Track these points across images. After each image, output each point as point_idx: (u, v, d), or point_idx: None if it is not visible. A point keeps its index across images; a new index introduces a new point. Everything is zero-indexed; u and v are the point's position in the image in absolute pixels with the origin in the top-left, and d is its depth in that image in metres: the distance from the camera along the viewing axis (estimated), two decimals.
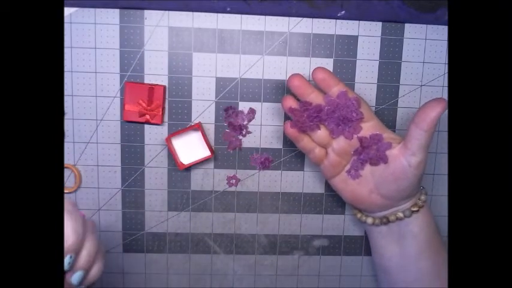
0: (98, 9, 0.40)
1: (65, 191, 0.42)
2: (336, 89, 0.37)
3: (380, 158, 0.37)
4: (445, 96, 0.43)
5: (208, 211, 0.44)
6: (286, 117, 0.43)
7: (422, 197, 0.39)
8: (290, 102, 0.38)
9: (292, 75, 0.37)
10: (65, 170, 0.42)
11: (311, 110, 0.37)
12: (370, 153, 0.37)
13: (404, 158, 0.36)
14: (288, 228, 0.45)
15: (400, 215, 0.38)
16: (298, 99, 0.38)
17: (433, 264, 0.38)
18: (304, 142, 0.38)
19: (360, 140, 0.37)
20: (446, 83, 0.43)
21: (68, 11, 0.40)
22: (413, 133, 0.35)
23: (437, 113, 0.34)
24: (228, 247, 0.45)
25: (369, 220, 0.40)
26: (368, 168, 0.38)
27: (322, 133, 0.38)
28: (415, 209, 0.38)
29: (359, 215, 0.41)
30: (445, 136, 0.44)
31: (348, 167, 0.39)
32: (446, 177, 0.45)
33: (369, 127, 0.37)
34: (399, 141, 0.37)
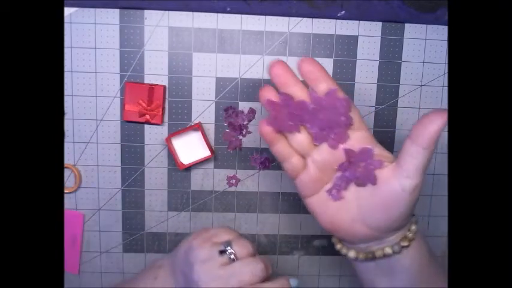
0: (98, 9, 0.40)
1: (65, 191, 0.42)
2: (324, 85, 0.31)
3: (367, 178, 0.31)
4: (445, 96, 0.43)
5: (208, 211, 0.44)
6: None
7: (413, 227, 0.32)
8: (269, 94, 0.32)
9: (274, 61, 0.31)
10: (65, 170, 0.42)
11: (293, 106, 0.31)
12: (357, 171, 0.31)
13: (397, 180, 0.30)
14: (288, 228, 0.45)
15: (388, 251, 0.32)
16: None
17: None
18: (281, 146, 0.32)
19: (347, 152, 0.31)
20: (446, 83, 0.43)
21: (68, 11, 0.40)
22: (409, 150, 0.29)
23: (438, 126, 0.28)
24: None
25: (351, 254, 0.34)
26: (353, 190, 0.32)
27: (302, 137, 0.32)
28: (405, 243, 0.32)
29: (339, 246, 0.35)
30: (445, 136, 0.44)
31: (329, 185, 0.33)
32: (446, 177, 0.45)
33: (358, 138, 0.31)
34: (391, 160, 0.31)
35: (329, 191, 0.33)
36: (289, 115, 0.31)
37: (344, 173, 0.32)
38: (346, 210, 0.32)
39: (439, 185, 0.45)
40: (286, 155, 0.32)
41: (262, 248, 0.45)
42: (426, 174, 0.44)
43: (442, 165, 0.45)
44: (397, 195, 0.30)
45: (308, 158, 0.32)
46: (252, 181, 0.44)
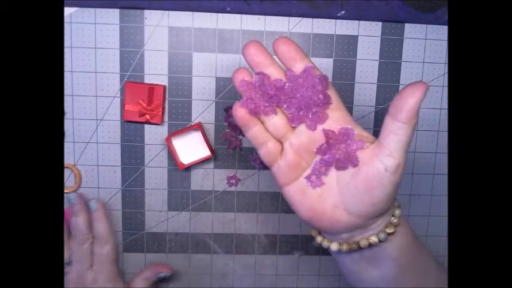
0: (98, 9, 0.40)
1: (65, 191, 0.42)
2: (301, 64, 0.29)
3: (349, 160, 0.30)
4: (445, 96, 0.43)
5: (208, 211, 0.44)
6: None
7: (397, 212, 0.31)
8: (243, 75, 0.30)
9: (249, 42, 0.30)
10: (65, 170, 0.42)
11: (268, 86, 0.29)
12: (337, 153, 0.30)
13: (379, 160, 0.28)
14: (287, 228, 0.45)
15: (374, 240, 0.30)
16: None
17: (422, 280, 0.33)
18: (256, 130, 0.30)
19: (326, 134, 0.30)
20: (446, 83, 0.43)
21: (68, 11, 0.40)
22: (390, 127, 0.28)
23: (417, 98, 0.27)
24: (228, 247, 0.45)
25: (334, 246, 0.32)
26: (333, 174, 0.30)
27: (278, 120, 0.30)
28: (390, 230, 0.30)
29: (319, 239, 0.33)
30: (445, 136, 0.44)
31: (308, 171, 0.31)
32: (446, 177, 0.45)
33: (337, 118, 0.30)
34: (372, 141, 0.30)
35: (308, 178, 0.31)
36: (265, 95, 0.30)
37: (323, 156, 0.30)
38: (327, 197, 0.30)
39: (439, 185, 0.45)
40: (262, 139, 0.31)
41: (262, 248, 0.45)
42: (426, 174, 0.45)
43: (442, 165, 0.45)
44: (380, 175, 0.28)
45: (285, 143, 0.31)
46: (252, 181, 0.44)
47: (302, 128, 0.30)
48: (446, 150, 0.44)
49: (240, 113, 0.30)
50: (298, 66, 0.29)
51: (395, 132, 0.28)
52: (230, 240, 0.45)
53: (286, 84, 0.30)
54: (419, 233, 0.46)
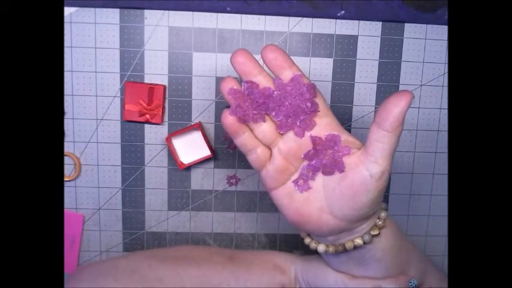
0: (98, 9, 0.40)
1: (65, 179, 0.42)
2: (289, 72, 0.30)
3: (335, 166, 0.30)
4: (445, 96, 0.43)
5: (208, 210, 0.44)
6: None
7: (382, 214, 0.32)
8: (231, 83, 0.30)
9: (237, 50, 0.30)
10: (65, 159, 0.42)
11: (257, 94, 0.30)
12: (324, 158, 0.31)
13: (365, 166, 0.29)
14: (287, 228, 0.45)
15: (359, 242, 0.31)
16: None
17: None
18: (245, 137, 0.31)
19: (313, 140, 0.30)
20: (446, 83, 0.43)
21: (68, 10, 0.40)
22: (375, 135, 0.29)
23: (401, 108, 0.27)
24: (228, 246, 0.45)
25: (321, 248, 0.33)
26: (320, 179, 0.31)
27: (267, 127, 0.31)
28: (375, 232, 0.31)
29: (308, 240, 0.34)
30: (445, 136, 0.44)
31: (296, 175, 0.32)
32: (446, 177, 0.45)
33: (324, 125, 0.31)
34: (359, 147, 0.31)
35: (295, 182, 0.32)
36: (253, 103, 0.30)
37: (310, 162, 0.31)
38: (314, 201, 0.31)
39: (439, 185, 0.45)
40: (251, 146, 0.31)
41: (262, 247, 0.45)
42: (426, 174, 0.45)
43: (442, 165, 0.45)
44: (365, 181, 0.29)
45: (274, 149, 0.31)
46: (252, 180, 0.44)
47: (290, 134, 0.31)
48: (446, 150, 0.44)
49: (228, 120, 0.30)
50: (286, 74, 0.30)
51: (380, 140, 0.28)
52: (230, 239, 0.45)
53: (275, 92, 0.30)
54: (419, 232, 0.46)
